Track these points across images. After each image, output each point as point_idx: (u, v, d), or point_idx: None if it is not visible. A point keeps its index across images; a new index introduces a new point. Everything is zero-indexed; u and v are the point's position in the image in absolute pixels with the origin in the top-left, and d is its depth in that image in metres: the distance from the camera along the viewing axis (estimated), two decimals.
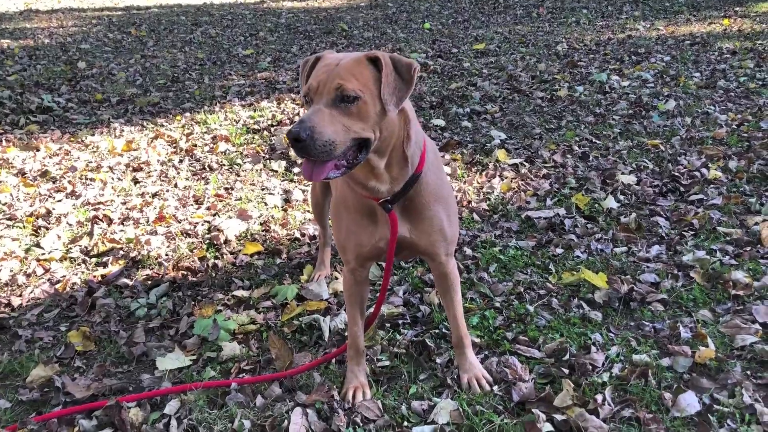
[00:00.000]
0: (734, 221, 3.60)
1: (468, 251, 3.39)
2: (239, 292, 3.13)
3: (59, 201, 4.19)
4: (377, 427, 2.26)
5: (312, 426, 2.27)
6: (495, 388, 2.42)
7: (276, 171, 4.66)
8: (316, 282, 3.12)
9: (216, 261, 3.43)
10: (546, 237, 3.52)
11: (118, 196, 4.28)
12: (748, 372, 2.44)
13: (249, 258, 3.46)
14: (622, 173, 4.27)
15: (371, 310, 2.61)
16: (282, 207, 4.07)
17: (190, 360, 2.68)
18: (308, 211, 4.00)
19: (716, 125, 5.16)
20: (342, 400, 2.37)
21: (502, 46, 8.71)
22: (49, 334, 2.90)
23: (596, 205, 3.86)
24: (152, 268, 3.40)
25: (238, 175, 4.60)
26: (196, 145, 5.21)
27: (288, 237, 3.69)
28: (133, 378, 2.61)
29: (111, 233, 3.74)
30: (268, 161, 4.82)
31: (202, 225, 3.84)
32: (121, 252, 3.55)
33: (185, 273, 3.30)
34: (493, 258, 3.31)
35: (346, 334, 2.76)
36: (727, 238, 3.42)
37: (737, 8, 10.72)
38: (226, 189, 4.37)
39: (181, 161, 4.91)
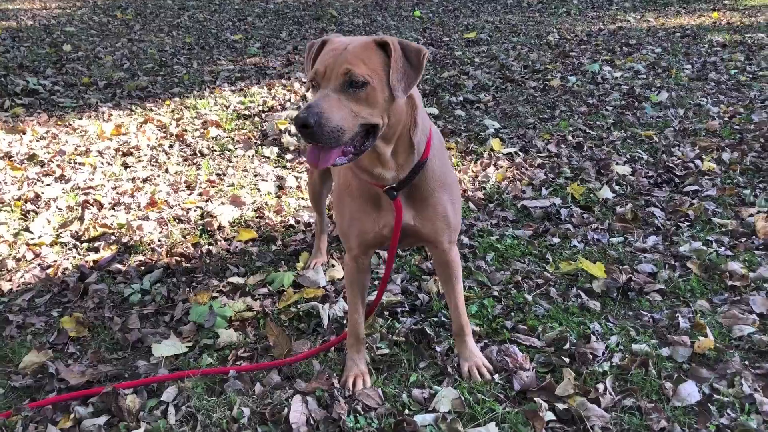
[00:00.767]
0: (729, 213, 3.62)
1: (465, 240, 3.37)
2: (234, 279, 3.10)
3: (48, 185, 4.12)
4: (378, 415, 2.24)
5: (312, 414, 2.25)
6: (496, 376, 2.41)
7: (268, 157, 4.61)
8: (312, 269, 3.09)
9: (210, 247, 3.39)
10: (542, 226, 3.51)
11: (108, 180, 4.21)
12: (747, 362, 2.45)
13: (243, 245, 3.42)
14: (617, 164, 4.27)
15: (371, 298, 2.59)
16: (275, 194, 4.03)
17: (186, 347, 2.64)
18: (302, 198, 3.97)
19: (708, 117, 5.17)
20: (342, 388, 2.35)
21: (493, 35, 8.68)
22: (41, 320, 2.85)
23: (591, 195, 3.86)
24: (145, 254, 3.35)
25: (230, 161, 4.55)
26: (186, 130, 5.14)
27: (282, 224, 3.66)
28: (128, 364, 2.57)
29: (102, 218, 3.68)
30: (260, 147, 4.77)
31: (195, 211, 3.79)
32: (113, 237, 3.49)
33: (179, 259, 3.26)
34: (490, 247, 3.30)
35: (345, 321, 2.75)
36: (723, 230, 3.43)
37: (726, 1, 10.77)
38: (218, 175, 4.32)
39: (171, 146, 4.85)
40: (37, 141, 4.92)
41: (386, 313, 2.80)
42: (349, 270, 2.34)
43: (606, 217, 3.60)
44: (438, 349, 2.57)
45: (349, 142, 1.82)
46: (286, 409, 2.25)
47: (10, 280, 3.12)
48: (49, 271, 3.19)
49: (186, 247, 3.37)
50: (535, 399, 2.26)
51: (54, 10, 11.92)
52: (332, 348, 2.58)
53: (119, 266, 3.22)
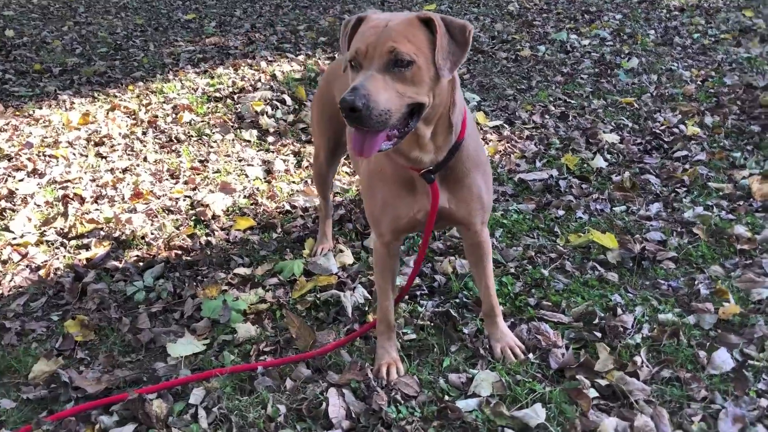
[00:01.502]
0: (722, 176, 3.66)
1: None
2: (240, 270, 2.98)
3: (21, 180, 3.89)
4: (419, 404, 2.19)
5: (351, 407, 2.18)
6: (530, 356, 2.38)
7: (249, 141, 4.46)
8: (322, 256, 3.00)
9: (208, 238, 3.26)
10: (544, 199, 3.49)
11: (85, 173, 4.00)
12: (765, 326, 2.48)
13: (242, 233, 3.30)
14: (604, 132, 4.27)
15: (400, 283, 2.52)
16: (264, 179, 3.90)
17: (204, 344, 2.53)
18: (294, 182, 3.85)
19: (682, 82, 5.23)
20: (376, 377, 2.29)
21: (453, 6, 8.59)
22: (41, 325, 2.69)
23: (585, 165, 3.86)
24: (140, 249, 3.20)
25: (210, 147, 4.38)
26: (157, 116, 4.93)
27: (278, 210, 3.54)
28: (145, 367, 2.45)
29: (87, 213, 3.50)
30: (238, 131, 4.61)
31: (184, 200, 3.64)
32: (102, 233, 3.33)
33: (179, 252, 3.12)
34: (497, 223, 3.26)
35: (367, 308, 2.68)
36: (720, 194, 3.47)
37: None
38: (201, 161, 4.16)
39: (144, 133, 4.64)
40: None
41: (406, 297, 2.73)
42: (380, 256, 2.26)
43: (604, 187, 3.60)
44: (466, 331, 2.53)
45: (395, 125, 1.74)
46: (324, 404, 2.17)
47: None
48: (41, 272, 3.02)
49: (183, 240, 3.23)
50: (577, 377, 2.24)
51: None
52: (358, 337, 2.51)
53: (115, 263, 3.07)
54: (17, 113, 5.09)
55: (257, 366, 2.34)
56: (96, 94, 5.52)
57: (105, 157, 4.23)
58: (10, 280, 2.96)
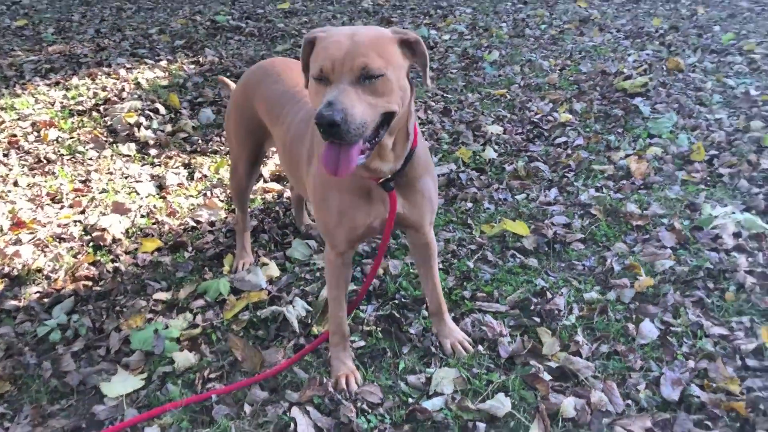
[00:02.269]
0: (602, 158, 3.95)
1: None
2: (160, 295, 2.82)
3: None
4: (386, 410, 2.20)
5: (318, 423, 2.14)
6: (480, 348, 2.45)
7: (129, 155, 4.20)
8: (249, 272, 2.89)
9: (115, 264, 3.04)
10: (450, 193, 3.59)
11: None
12: (679, 293, 2.73)
13: (151, 256, 3.11)
14: (487, 124, 4.46)
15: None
16: (158, 195, 3.69)
17: (142, 379, 2.37)
18: (191, 196, 3.68)
19: (544, 71, 5.57)
20: (335, 390, 2.26)
21: (307, 4, 8.55)
22: None
23: (478, 157, 4.01)
24: (39, 284, 2.92)
25: (87, 165, 4.07)
26: (15, 135, 4.50)
27: (183, 227, 3.37)
28: (81, 412, 2.25)
29: None
30: (115, 145, 4.32)
31: (75, 226, 3.37)
32: None
33: (86, 283, 2.88)
34: None
35: (310, 321, 2.62)
36: (604, 175, 3.75)
37: None
38: (83, 182, 3.85)
39: (6, 155, 4.22)
40: None
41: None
42: (334, 266, 2.23)
43: (501, 177, 3.77)
44: (412, 331, 2.56)
45: (368, 137, 1.74)
46: (291, 425, 2.12)
47: None
48: None
49: (87, 269, 2.99)
50: (530, 362, 2.35)
51: None
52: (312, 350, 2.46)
53: (14, 302, 2.78)
54: None
55: (211, 394, 2.23)
56: None
57: None
58: None
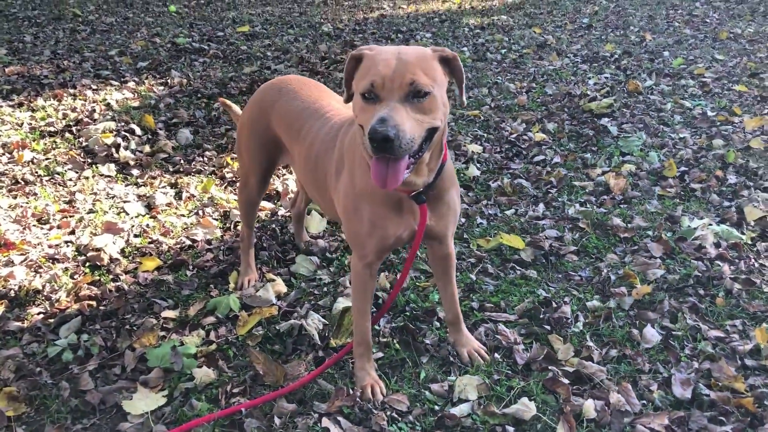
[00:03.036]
0: (581, 175, 4.12)
1: None
2: (169, 313, 2.80)
3: None
4: (416, 417, 2.24)
5: None
6: (497, 355, 2.53)
7: (111, 176, 4.14)
8: (258, 288, 2.90)
9: (116, 284, 3.00)
10: None
11: None
12: (673, 300, 2.87)
13: (152, 274, 3.08)
14: (467, 144, 4.58)
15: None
16: (148, 214, 3.66)
17: (163, 396, 2.35)
18: (183, 215, 3.66)
19: (511, 93, 5.76)
20: (362, 400, 2.29)
21: (267, 28, 8.60)
22: None
23: (462, 175, 4.12)
24: (39, 305, 2.86)
25: (66, 186, 4.00)
26: None
27: (178, 245, 3.35)
28: (107, 430, 2.22)
29: None
30: (95, 166, 4.26)
31: (67, 246, 3.30)
32: None
33: (91, 303, 2.84)
34: None
35: (327, 333, 2.65)
36: (586, 191, 3.91)
37: None
38: (68, 202, 3.78)
39: None
40: None
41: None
42: (361, 277, 2.27)
43: (488, 193, 3.88)
44: (428, 341, 2.62)
45: (414, 151, 1.82)
46: None
47: None
48: None
49: (88, 289, 2.94)
50: (549, 368, 2.43)
51: None
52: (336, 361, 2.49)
53: (18, 324, 2.72)
54: None
55: (240, 408, 2.23)
56: None
57: None
58: None
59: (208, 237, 3.42)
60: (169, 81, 6.10)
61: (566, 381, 2.37)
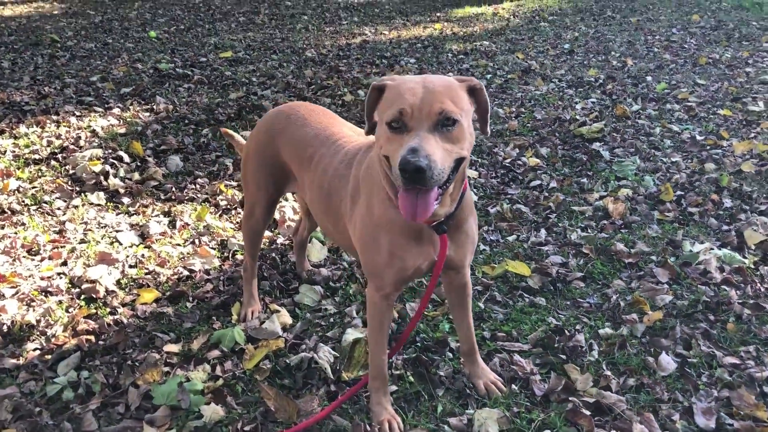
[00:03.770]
0: (579, 200, 4.11)
1: None
2: (169, 347, 2.70)
3: None
4: None
5: None
6: (514, 387, 2.47)
7: (101, 205, 4.03)
8: (263, 320, 2.82)
9: (114, 317, 2.89)
10: None
11: None
12: (685, 326, 2.84)
13: (151, 307, 2.98)
14: None
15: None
16: (143, 244, 3.56)
17: None
18: (178, 245, 3.56)
19: (500, 118, 5.76)
20: None
21: (250, 53, 8.55)
22: None
23: None
24: (34, 340, 2.74)
25: (56, 215, 3.88)
26: None
27: (176, 276, 3.25)
28: None
29: None
30: (83, 195, 4.15)
31: (60, 278, 3.19)
32: None
33: (89, 338, 2.73)
34: None
35: (338, 367, 2.57)
36: (585, 216, 3.89)
37: (438, 14, 11.94)
38: (58, 232, 3.67)
39: None
40: None
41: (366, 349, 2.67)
42: (378, 309, 2.21)
43: (488, 219, 3.85)
44: (441, 373, 2.55)
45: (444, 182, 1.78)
46: None
47: None
48: None
49: (86, 322, 2.84)
50: (569, 398, 2.38)
51: None
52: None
53: (13, 361, 2.60)
54: None
55: None
56: None
57: None
58: None
59: (206, 267, 3.33)
60: (154, 107, 6.01)
61: (587, 412, 2.31)
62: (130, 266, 3.33)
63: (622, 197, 4.06)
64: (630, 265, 3.33)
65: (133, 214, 3.92)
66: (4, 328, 2.79)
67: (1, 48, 9.15)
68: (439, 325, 2.84)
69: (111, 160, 4.63)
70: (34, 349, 2.67)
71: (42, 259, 3.36)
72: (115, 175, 4.39)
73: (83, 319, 2.87)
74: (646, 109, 5.95)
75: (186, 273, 3.28)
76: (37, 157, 4.78)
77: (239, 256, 3.42)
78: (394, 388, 2.47)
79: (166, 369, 2.56)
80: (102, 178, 4.34)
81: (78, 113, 5.83)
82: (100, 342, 2.72)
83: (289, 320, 2.87)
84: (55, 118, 5.71)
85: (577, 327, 2.81)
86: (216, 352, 2.67)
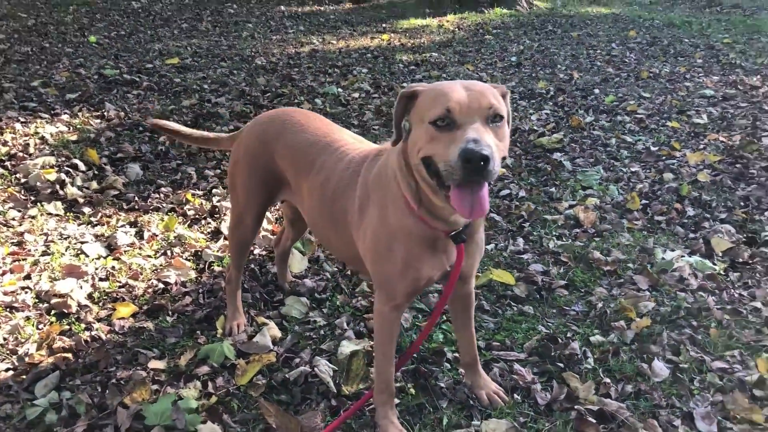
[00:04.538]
0: (550, 209, 4.15)
1: None
2: (155, 364, 2.56)
3: None
4: None
5: None
6: (516, 397, 2.45)
7: (59, 215, 3.83)
8: (253, 334, 2.71)
9: (91, 333, 2.73)
10: None
11: None
12: (672, 333, 2.89)
13: (128, 322, 2.84)
14: None
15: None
16: (111, 256, 3.39)
17: None
18: (149, 256, 3.41)
19: None
20: None
21: (198, 60, 8.35)
22: None
23: None
24: (4, 359, 2.56)
25: (12, 225, 3.66)
26: None
27: (151, 289, 3.11)
28: None
29: None
30: (39, 204, 3.93)
31: (25, 292, 3.00)
32: None
33: (66, 356, 2.57)
34: None
35: (338, 381, 2.50)
36: (557, 224, 3.93)
37: (384, 25, 11.97)
38: (17, 244, 3.45)
39: None
40: None
41: (364, 362, 2.61)
42: (389, 320, 2.15)
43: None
44: (442, 384, 2.51)
45: None
46: None
47: None
48: None
49: (60, 339, 2.67)
50: (573, 407, 2.37)
51: None
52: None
53: None
54: None
55: None
56: None
57: None
58: None
59: (182, 279, 3.19)
60: (105, 114, 5.77)
61: (594, 420, 2.31)
62: (101, 279, 3.16)
63: (591, 206, 4.12)
64: (609, 273, 3.37)
65: (96, 225, 3.74)
66: None
67: None
68: (433, 335, 2.80)
69: (66, 168, 4.41)
70: (6, 369, 2.49)
71: (3, 273, 3.15)
72: (72, 184, 4.18)
73: (58, 336, 2.69)
74: (599, 120, 6.10)
75: (161, 286, 3.14)
76: None
77: (216, 268, 3.30)
78: (396, 401, 2.41)
79: (155, 387, 2.43)
80: (58, 186, 4.12)
81: (22, 119, 5.54)
82: (80, 360, 2.56)
83: (278, 333, 2.78)
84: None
85: (568, 335, 2.82)
86: (205, 368, 2.55)
